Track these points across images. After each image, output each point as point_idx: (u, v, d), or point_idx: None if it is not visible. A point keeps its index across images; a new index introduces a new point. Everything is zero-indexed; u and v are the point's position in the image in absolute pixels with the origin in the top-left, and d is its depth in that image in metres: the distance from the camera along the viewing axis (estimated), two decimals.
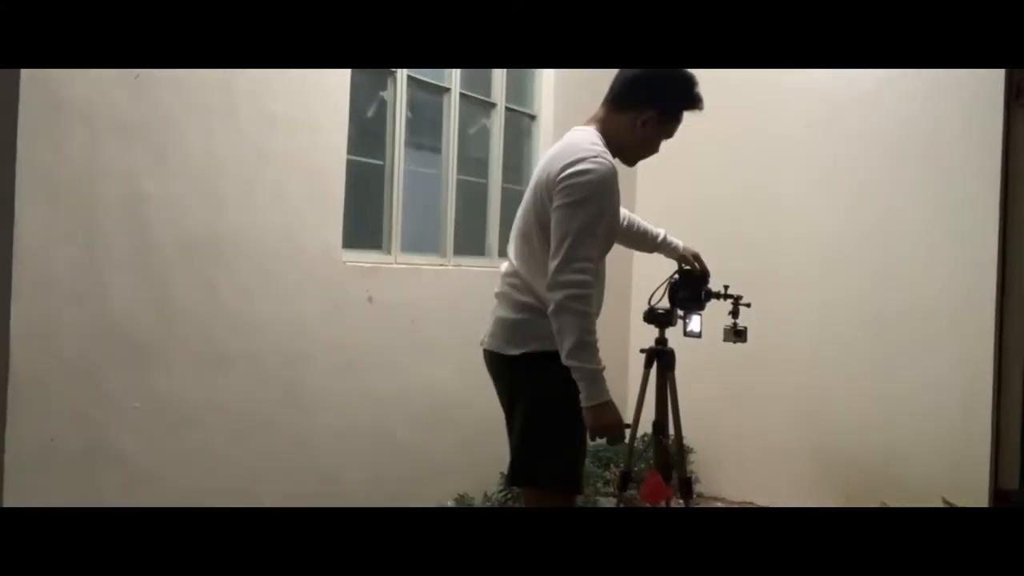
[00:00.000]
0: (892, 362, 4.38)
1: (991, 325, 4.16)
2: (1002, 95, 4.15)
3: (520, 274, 2.39)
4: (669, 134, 2.50)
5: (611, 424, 2.29)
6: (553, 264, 2.20)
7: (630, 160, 2.52)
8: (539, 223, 2.33)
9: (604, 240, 2.35)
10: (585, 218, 2.21)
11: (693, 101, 2.45)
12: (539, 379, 2.33)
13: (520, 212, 2.47)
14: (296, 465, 3.40)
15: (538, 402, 2.36)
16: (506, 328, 2.41)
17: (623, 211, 2.79)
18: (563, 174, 2.24)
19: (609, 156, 2.31)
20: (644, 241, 3.04)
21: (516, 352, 2.36)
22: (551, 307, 2.21)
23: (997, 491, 4.24)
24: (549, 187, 2.28)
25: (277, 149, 3.29)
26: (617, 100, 2.43)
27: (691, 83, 2.44)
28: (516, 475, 2.46)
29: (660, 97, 2.41)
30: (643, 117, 2.40)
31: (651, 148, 2.51)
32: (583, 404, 2.26)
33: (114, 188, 2.81)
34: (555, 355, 2.25)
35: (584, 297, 2.20)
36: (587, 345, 2.21)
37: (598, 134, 2.39)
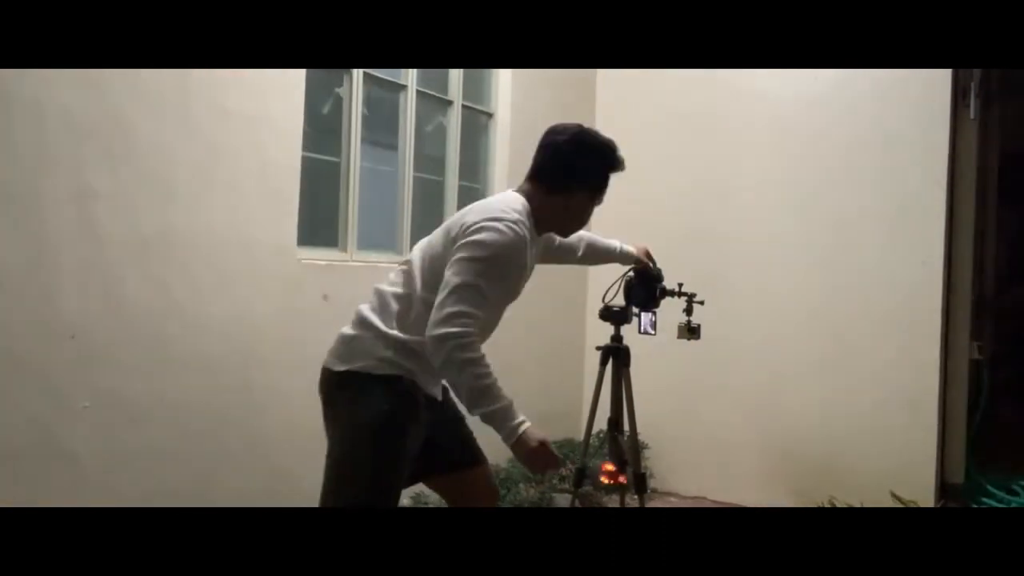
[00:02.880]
0: (842, 359, 4.46)
1: (937, 322, 4.25)
2: (949, 96, 4.23)
3: (385, 295, 2.32)
4: (600, 201, 2.44)
5: (537, 452, 2.18)
6: (438, 315, 2.11)
7: (565, 232, 2.50)
8: (431, 264, 2.27)
9: (494, 306, 2.28)
10: (481, 278, 2.14)
11: (617, 165, 2.39)
12: (355, 400, 2.26)
13: (424, 243, 2.39)
14: (248, 464, 3.37)
15: (349, 426, 2.27)
16: (341, 342, 2.34)
17: (584, 234, 2.77)
18: (474, 226, 2.18)
19: (526, 228, 2.25)
20: (606, 257, 3.02)
21: (341, 368, 2.29)
22: (436, 359, 2.13)
23: (943, 485, 4.33)
24: (456, 234, 2.21)
25: (230, 145, 3.26)
26: (545, 181, 2.35)
27: (613, 150, 2.39)
28: (323, 501, 2.30)
29: (589, 176, 2.37)
30: (572, 200, 2.36)
31: (583, 220, 2.46)
32: (506, 443, 2.18)
33: (63, 185, 2.76)
34: (377, 379, 2.23)
35: (467, 346, 2.10)
36: (483, 390, 2.12)
37: (526, 206, 2.31)
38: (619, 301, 3.25)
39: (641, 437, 3.51)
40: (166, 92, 3.05)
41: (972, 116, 4.29)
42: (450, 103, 4.51)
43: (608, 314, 3.27)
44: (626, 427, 3.31)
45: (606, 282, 3.21)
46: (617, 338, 3.28)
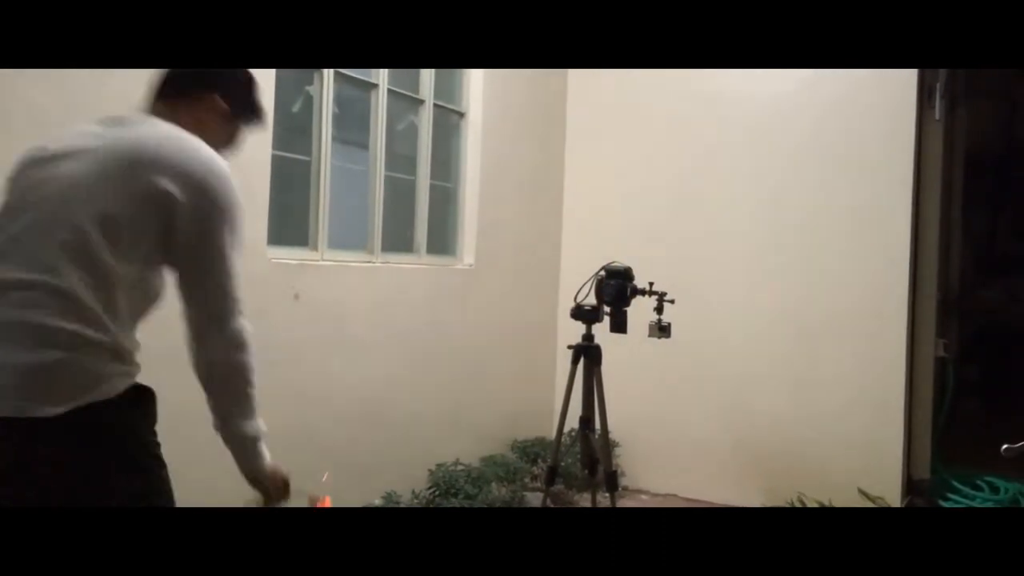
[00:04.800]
0: (810, 357, 4.51)
1: (904, 321, 4.31)
2: (914, 97, 4.29)
3: (66, 291, 1.57)
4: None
5: (284, 480, 1.97)
6: (212, 309, 1.78)
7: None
8: (119, 226, 1.63)
9: None
10: (232, 239, 1.76)
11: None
12: (97, 443, 1.60)
13: (59, 202, 1.63)
14: (216, 465, 3.33)
15: (104, 478, 1.62)
16: (32, 375, 1.54)
17: None
18: (195, 181, 1.70)
19: None
20: None
21: (59, 410, 1.53)
22: (215, 369, 1.82)
23: (910, 481, 4.39)
24: (157, 192, 1.65)
25: None
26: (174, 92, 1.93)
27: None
28: None
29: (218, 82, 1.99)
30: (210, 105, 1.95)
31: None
32: (258, 474, 1.91)
33: None
34: (108, 404, 1.61)
35: (250, 349, 1.83)
36: (256, 408, 1.86)
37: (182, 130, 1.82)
38: (591, 301, 3.27)
39: (612, 435, 3.53)
40: (133, 89, 3.00)
41: (937, 117, 4.35)
42: (422, 102, 4.51)
43: (579, 313, 3.28)
44: (597, 426, 3.33)
45: (578, 282, 3.23)
46: (588, 337, 3.30)
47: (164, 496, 1.79)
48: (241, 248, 1.80)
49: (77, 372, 1.58)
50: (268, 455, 1.90)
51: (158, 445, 1.80)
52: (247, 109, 2.04)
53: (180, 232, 1.69)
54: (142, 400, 1.76)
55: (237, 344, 1.83)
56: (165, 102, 1.91)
